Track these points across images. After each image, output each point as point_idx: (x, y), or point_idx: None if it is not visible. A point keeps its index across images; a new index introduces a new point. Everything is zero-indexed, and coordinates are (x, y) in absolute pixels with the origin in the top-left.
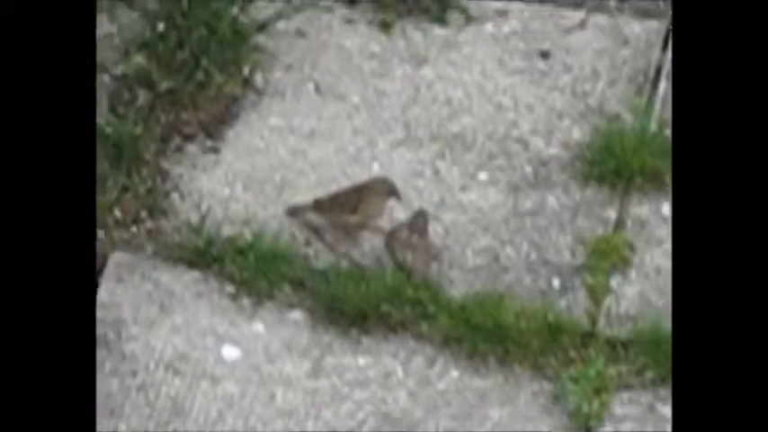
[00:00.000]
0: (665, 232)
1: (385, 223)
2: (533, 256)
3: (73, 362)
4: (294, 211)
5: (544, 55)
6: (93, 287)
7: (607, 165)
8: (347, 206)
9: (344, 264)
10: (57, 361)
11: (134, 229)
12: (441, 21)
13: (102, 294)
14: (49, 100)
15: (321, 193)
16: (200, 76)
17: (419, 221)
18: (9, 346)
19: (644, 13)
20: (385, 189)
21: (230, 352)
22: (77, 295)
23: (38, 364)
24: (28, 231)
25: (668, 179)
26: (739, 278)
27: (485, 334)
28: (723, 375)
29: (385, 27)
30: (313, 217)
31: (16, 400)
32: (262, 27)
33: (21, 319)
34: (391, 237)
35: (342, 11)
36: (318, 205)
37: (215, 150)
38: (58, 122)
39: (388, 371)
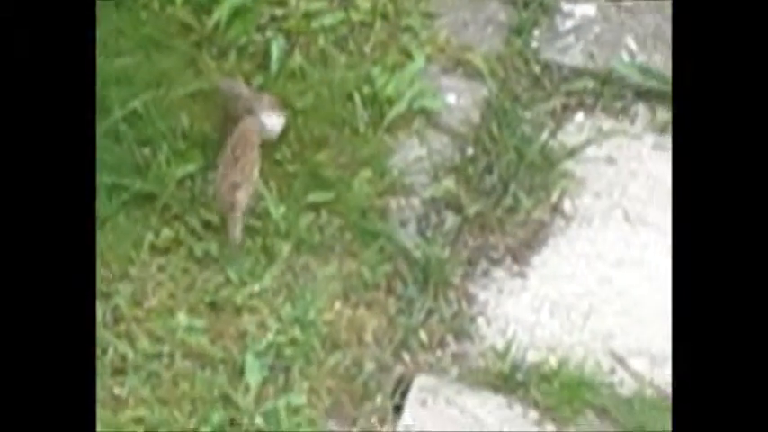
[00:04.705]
0: None
1: None
2: None
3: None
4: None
5: None
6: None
7: None
8: None
9: (650, 392)
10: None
11: (439, 352)
12: None
13: (407, 417)
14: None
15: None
16: (508, 200)
17: None
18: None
19: None
20: None
21: None
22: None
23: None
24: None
25: None
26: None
27: None
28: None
29: None
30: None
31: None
32: (571, 153)
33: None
34: None
35: (651, 138)
36: None
37: (522, 275)
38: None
39: None
